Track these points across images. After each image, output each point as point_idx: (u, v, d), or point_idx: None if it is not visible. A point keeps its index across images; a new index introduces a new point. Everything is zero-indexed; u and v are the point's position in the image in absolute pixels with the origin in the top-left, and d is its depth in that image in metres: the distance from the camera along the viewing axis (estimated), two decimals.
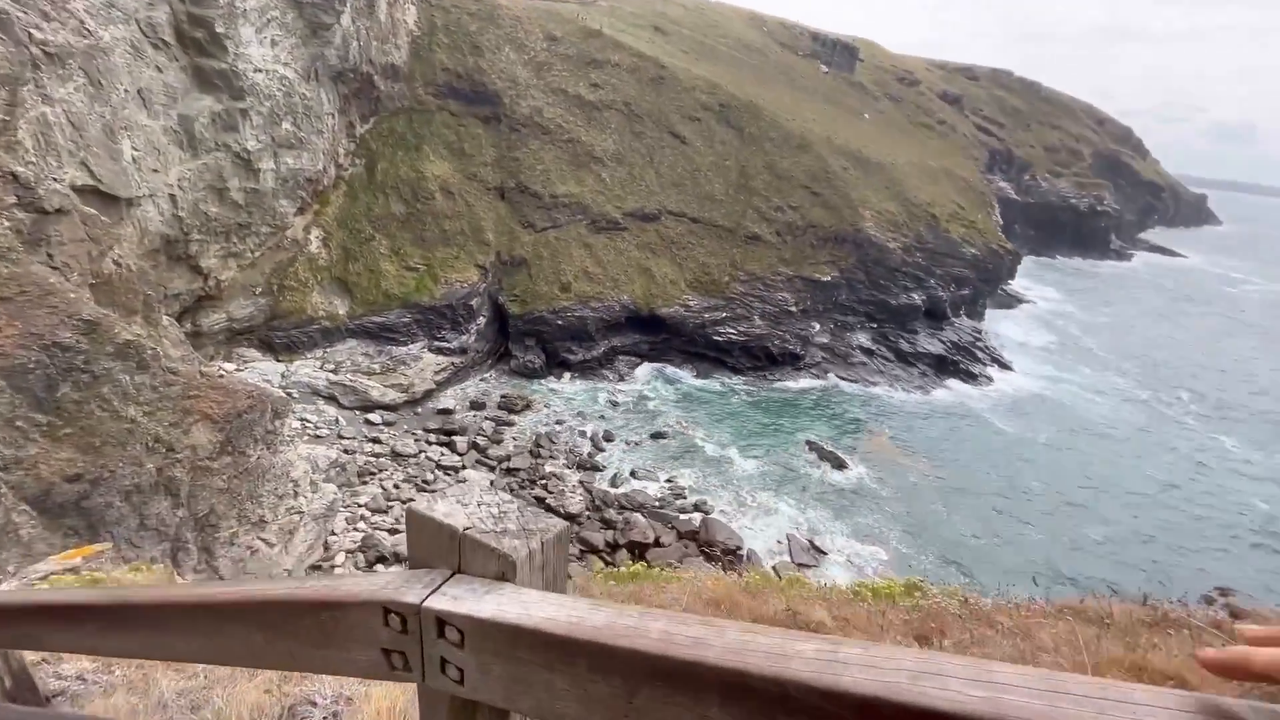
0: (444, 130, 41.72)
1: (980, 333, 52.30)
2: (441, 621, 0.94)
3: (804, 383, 42.28)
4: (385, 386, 33.00)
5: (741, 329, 42.73)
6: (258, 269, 34.21)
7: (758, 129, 50.74)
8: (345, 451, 28.22)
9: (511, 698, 0.93)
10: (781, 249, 46.06)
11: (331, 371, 32.88)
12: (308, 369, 32.91)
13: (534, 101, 44.93)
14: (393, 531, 24.70)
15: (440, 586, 0.98)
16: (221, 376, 20.96)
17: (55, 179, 20.17)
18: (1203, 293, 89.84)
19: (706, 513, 28.11)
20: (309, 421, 29.76)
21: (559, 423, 33.73)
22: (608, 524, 26.87)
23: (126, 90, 27.13)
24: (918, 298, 48.34)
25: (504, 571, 0.98)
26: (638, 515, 27.23)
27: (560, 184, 42.88)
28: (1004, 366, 48.63)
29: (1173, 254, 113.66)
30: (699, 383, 40.73)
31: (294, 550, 22.35)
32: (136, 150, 27.60)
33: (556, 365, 38.52)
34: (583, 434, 33.01)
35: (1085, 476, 35.48)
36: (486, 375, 37.57)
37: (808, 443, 35.11)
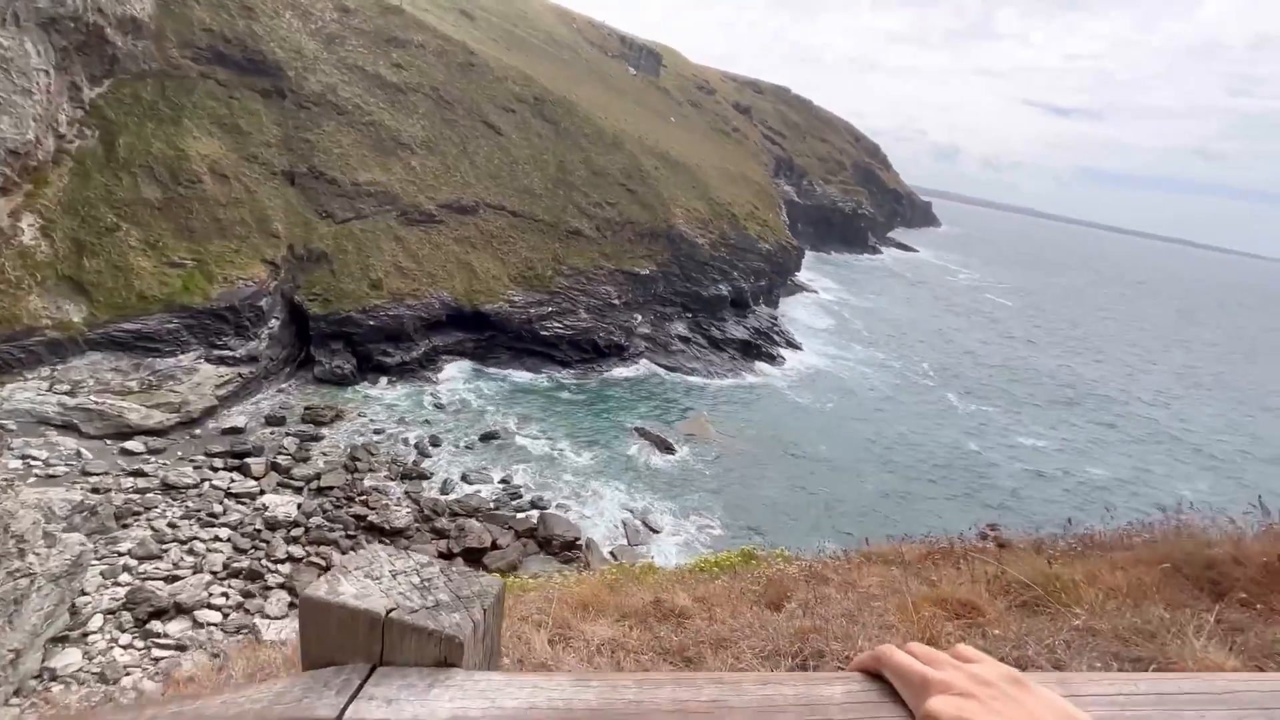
0: (210, 102, 35.55)
1: (776, 319, 59.33)
2: None
3: (630, 372, 44.21)
4: (147, 407, 27.46)
5: (568, 322, 43.23)
6: None
7: (573, 124, 51.40)
8: (94, 491, 23.00)
9: None
10: (602, 244, 47.41)
11: (66, 394, 26.43)
12: (28, 393, 26.05)
13: (326, 77, 40.32)
14: (171, 579, 20.82)
15: (361, 688, 0.77)
16: None
17: None
18: (931, 280, 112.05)
19: (544, 508, 28.16)
20: (35, 459, 23.69)
21: (378, 432, 31.12)
22: (440, 534, 25.57)
23: None
24: (725, 289, 53.22)
25: (447, 655, 0.81)
26: (472, 520, 26.32)
27: (363, 170, 39.18)
28: (796, 348, 55.82)
29: (910, 249, 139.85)
30: (528, 378, 40.41)
31: (23, 623, 17.83)
32: None
33: (371, 370, 35.36)
34: (406, 441, 30.88)
35: (861, 437, 42.42)
36: (285, 386, 33.15)
37: (636, 429, 36.88)
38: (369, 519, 25.40)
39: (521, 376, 40.36)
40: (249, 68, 37.58)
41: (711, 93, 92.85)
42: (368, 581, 0.88)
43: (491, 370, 39.99)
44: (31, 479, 22.43)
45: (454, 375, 38.40)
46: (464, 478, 29.26)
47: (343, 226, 37.43)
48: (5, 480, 17.75)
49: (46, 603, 18.38)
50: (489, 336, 40.79)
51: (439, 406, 34.85)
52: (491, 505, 27.72)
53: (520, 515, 27.47)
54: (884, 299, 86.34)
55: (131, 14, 33.56)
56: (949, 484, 38.47)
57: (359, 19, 44.55)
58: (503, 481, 29.72)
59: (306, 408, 31.30)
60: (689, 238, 51.78)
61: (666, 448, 35.56)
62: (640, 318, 47.63)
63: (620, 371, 43.89)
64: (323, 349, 34.46)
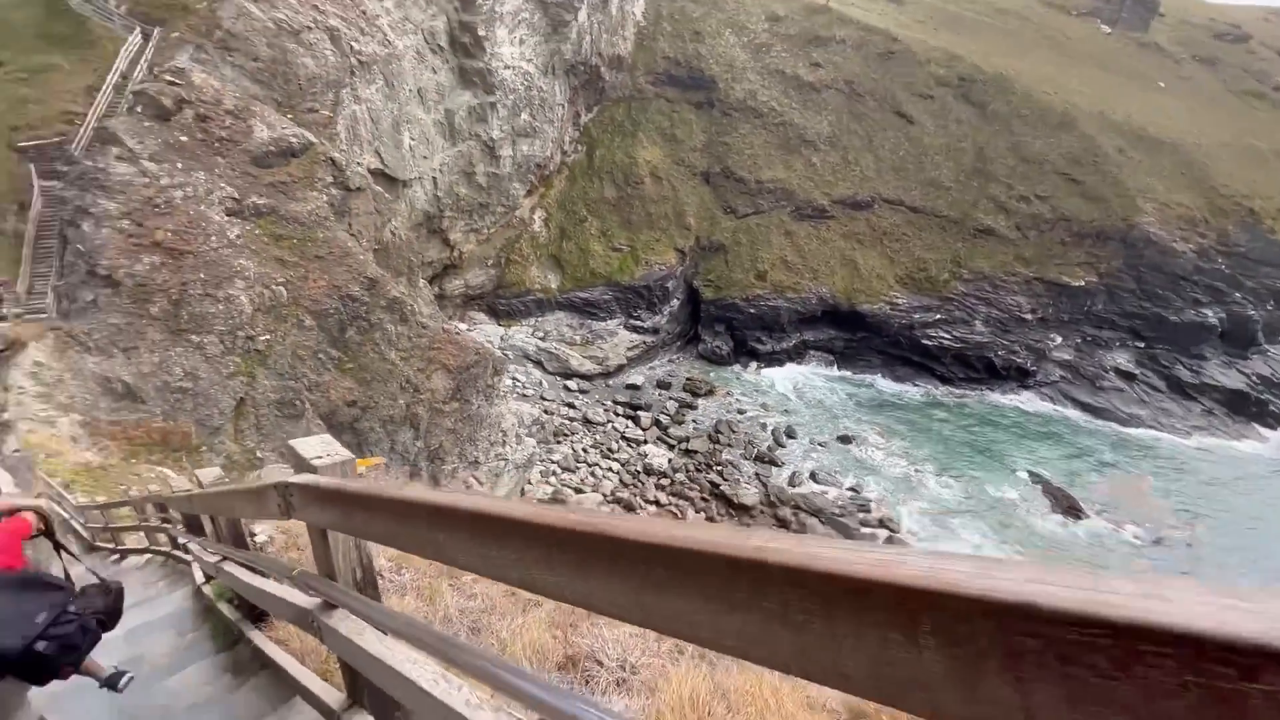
0: (658, 117, 43.15)
1: None
2: None
3: (1032, 404, 36.10)
4: (583, 357, 35.69)
5: (957, 334, 37.80)
6: (491, 244, 39.15)
7: (1005, 105, 43.85)
8: (545, 412, 31.20)
9: None
10: (1021, 245, 39.53)
11: (540, 339, 36.49)
12: (522, 334, 36.94)
13: (749, 85, 44.20)
14: (578, 490, 26.76)
15: None
16: (458, 334, 24.41)
17: (358, 163, 25.06)
18: None
19: (893, 531, 25.65)
20: (519, 381, 33.44)
21: (740, 412, 33.36)
22: (781, 522, 25.99)
23: (410, 90, 32.61)
24: (1212, 315, 38.06)
25: None
26: (814, 520, 25.88)
27: (767, 169, 41.79)
28: None
29: None
30: (896, 388, 37.11)
31: (498, 493, 25.39)
32: (413, 140, 33.14)
33: (744, 354, 38.03)
34: (764, 426, 32.24)
35: None
36: (675, 357, 38.55)
37: (1030, 475, 30.01)
38: (721, 488, 27.58)
39: (889, 385, 37.35)
40: (689, 84, 44.08)
41: (1241, 40, 66.25)
42: None
43: (858, 374, 38.20)
44: (514, 395, 31.82)
45: (819, 372, 38.14)
46: (813, 475, 28.93)
47: (741, 221, 40.86)
48: (502, 393, 25.61)
49: (510, 482, 25.94)
50: (861, 338, 38.95)
51: (800, 399, 35.20)
52: (836, 511, 26.69)
53: (864, 530, 25.68)
54: None
55: (618, 53, 43.17)
56: None
57: (787, 25, 47.16)
58: (851, 490, 28.25)
59: (688, 379, 35.75)
60: (1161, 241, 38.64)
61: (1070, 508, 27.90)
62: (1060, 339, 38.20)
63: (1015, 400, 36.28)
64: (708, 330, 38.65)
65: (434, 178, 34.79)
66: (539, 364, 35.17)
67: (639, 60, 43.95)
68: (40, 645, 2.13)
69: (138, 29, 22.45)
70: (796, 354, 38.52)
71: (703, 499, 27.50)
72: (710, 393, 34.63)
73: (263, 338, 19.17)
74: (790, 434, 31.76)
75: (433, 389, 23.05)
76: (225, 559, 4.09)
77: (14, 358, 16.01)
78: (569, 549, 0.90)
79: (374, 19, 29.57)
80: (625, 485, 27.74)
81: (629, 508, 26.42)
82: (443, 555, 1.20)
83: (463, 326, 35.92)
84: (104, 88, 20.84)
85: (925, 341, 37.81)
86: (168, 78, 20.75)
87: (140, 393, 16.88)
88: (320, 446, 1.93)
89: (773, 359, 37.89)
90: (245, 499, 2.52)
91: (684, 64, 44.37)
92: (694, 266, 40.06)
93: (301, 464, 1.89)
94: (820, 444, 31.37)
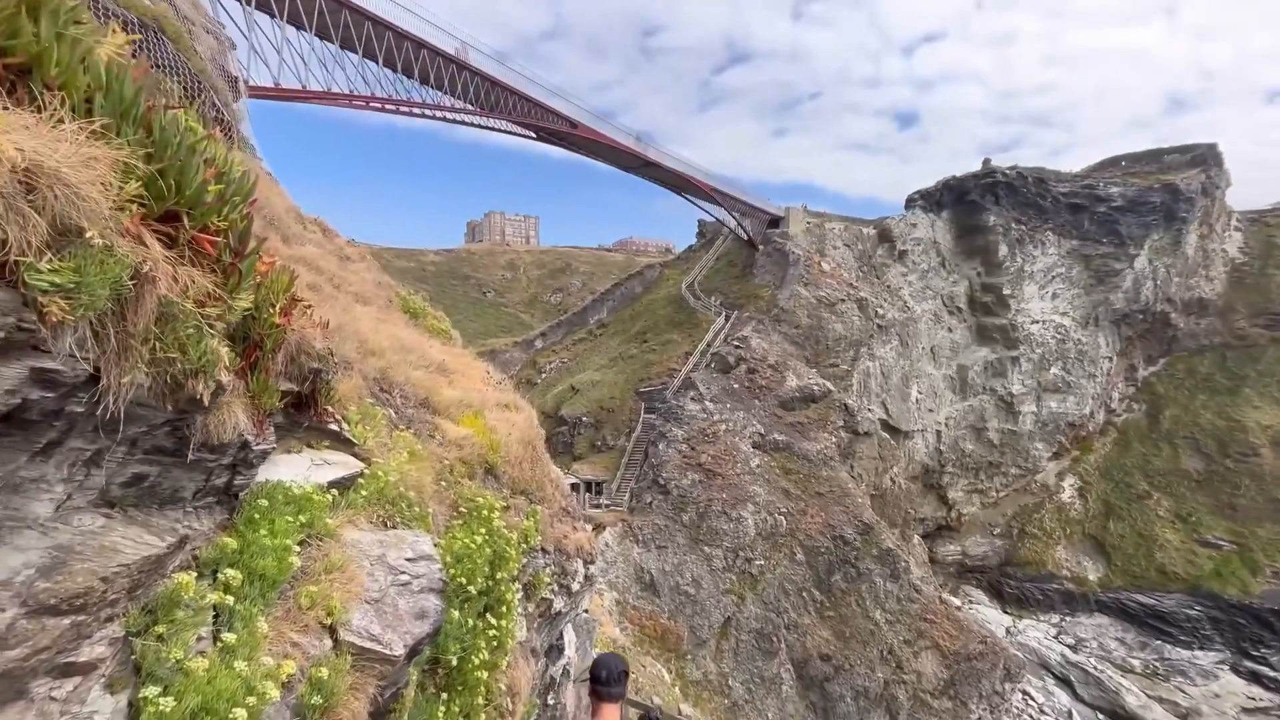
0: None
1: None
2: None
3: None
4: (1148, 696, 23.89)
5: None
6: (999, 509, 33.22)
7: None
8: None
9: None
10: None
11: (1069, 646, 26.75)
12: (1038, 632, 28.05)
13: None
14: None
15: None
16: (958, 610, 20.06)
17: (868, 410, 26.00)
18: None
19: None
20: (1033, 700, 24.54)
21: None
22: None
23: (923, 348, 33.41)
24: None
25: None
26: None
27: None
28: None
29: None
30: None
31: None
32: (920, 394, 32.96)
33: None
34: None
35: None
36: None
37: None
38: None
39: None
40: None
41: None
42: None
43: None
44: (1027, 718, 23.18)
45: None
46: None
47: None
48: (1016, 710, 18.86)
49: None
50: None
51: None
52: None
53: None
54: None
55: (1199, 295, 34.44)
56: None
57: None
58: None
59: None
60: None
61: None
62: None
63: None
64: None
65: (938, 430, 33.07)
66: (1065, 682, 25.32)
67: (1237, 301, 33.83)
68: None
69: (724, 313, 30.88)
70: None
71: None
72: None
73: (757, 562, 19.98)
74: None
75: (919, 671, 18.79)
76: None
77: (598, 535, 21.15)
78: None
79: (897, 290, 32.65)
80: None
81: None
82: None
83: (955, 602, 30.02)
84: (694, 352, 28.74)
85: None
86: (734, 343, 27.12)
87: (659, 587, 19.45)
88: None
89: None
90: None
91: None
92: None
93: None
94: None
